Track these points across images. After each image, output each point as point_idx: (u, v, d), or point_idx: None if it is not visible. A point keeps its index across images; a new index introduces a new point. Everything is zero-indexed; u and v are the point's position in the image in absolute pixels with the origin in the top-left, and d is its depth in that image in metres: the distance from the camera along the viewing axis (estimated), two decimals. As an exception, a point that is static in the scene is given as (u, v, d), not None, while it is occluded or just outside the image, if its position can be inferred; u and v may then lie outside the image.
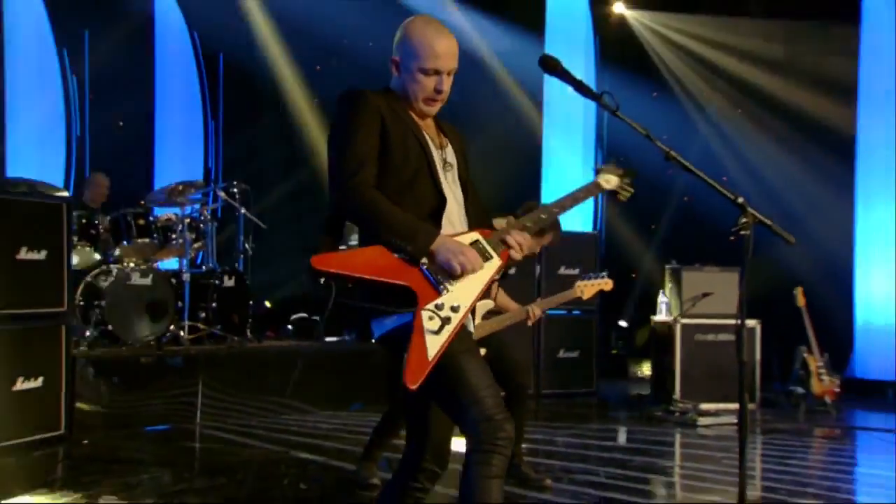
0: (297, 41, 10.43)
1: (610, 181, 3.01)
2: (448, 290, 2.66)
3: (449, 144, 2.94)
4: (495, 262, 2.78)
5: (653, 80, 10.77)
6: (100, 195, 8.32)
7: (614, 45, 10.92)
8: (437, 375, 2.61)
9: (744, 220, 2.72)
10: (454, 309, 2.65)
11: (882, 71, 9.12)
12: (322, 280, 2.61)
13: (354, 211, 2.69)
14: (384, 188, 2.73)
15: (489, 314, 4.83)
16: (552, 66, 2.84)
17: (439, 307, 2.63)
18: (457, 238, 2.76)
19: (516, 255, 2.84)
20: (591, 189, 3.00)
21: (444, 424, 2.84)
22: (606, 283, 5.25)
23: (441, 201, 2.81)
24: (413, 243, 2.65)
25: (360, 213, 2.69)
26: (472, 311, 2.82)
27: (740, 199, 2.75)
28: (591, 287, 5.26)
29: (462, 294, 2.68)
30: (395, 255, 2.66)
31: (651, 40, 10.98)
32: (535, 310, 5.18)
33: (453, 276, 2.67)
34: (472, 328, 2.89)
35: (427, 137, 2.87)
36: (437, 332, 2.59)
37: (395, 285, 2.63)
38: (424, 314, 2.60)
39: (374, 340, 2.76)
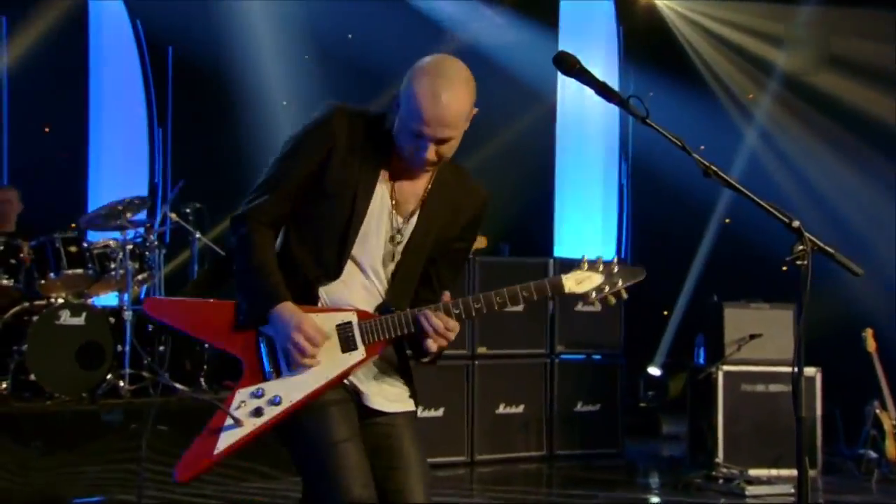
0: (263, 30, 10.47)
1: (585, 282, 2.92)
2: (276, 377, 2.69)
3: (417, 215, 2.95)
4: (356, 356, 2.79)
5: (687, 78, 10.82)
6: (8, 214, 8.12)
7: (641, 37, 10.98)
8: (297, 452, 2.73)
9: (800, 247, 2.73)
10: (274, 401, 2.67)
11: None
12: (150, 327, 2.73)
13: (231, 242, 2.83)
14: (294, 230, 2.86)
15: None
16: (569, 66, 2.88)
17: (257, 394, 2.66)
18: (319, 314, 2.79)
19: (432, 345, 2.84)
20: (542, 288, 2.90)
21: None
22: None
23: (333, 272, 2.85)
24: (251, 304, 2.72)
25: (233, 247, 2.82)
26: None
27: (796, 223, 2.77)
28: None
29: (293, 386, 2.70)
30: (239, 317, 2.73)
31: (686, 31, 11.05)
32: None
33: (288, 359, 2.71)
34: (366, 389, 2.90)
35: (385, 198, 2.90)
36: (237, 424, 2.64)
37: (227, 354, 2.71)
38: (238, 397, 2.66)
39: None
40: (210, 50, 10.08)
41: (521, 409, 8.17)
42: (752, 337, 7.86)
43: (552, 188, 10.81)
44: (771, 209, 2.78)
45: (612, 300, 2.93)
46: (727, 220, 10.56)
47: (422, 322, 2.80)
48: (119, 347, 7.41)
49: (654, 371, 10.64)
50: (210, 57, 10.07)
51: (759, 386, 7.86)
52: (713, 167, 2.82)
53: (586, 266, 2.93)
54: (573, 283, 2.91)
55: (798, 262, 2.73)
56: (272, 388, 2.66)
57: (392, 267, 2.94)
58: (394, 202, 2.92)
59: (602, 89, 2.85)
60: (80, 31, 10.57)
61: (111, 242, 7.73)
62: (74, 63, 10.49)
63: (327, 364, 2.74)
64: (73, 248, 7.49)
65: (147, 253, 7.88)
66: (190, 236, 8.29)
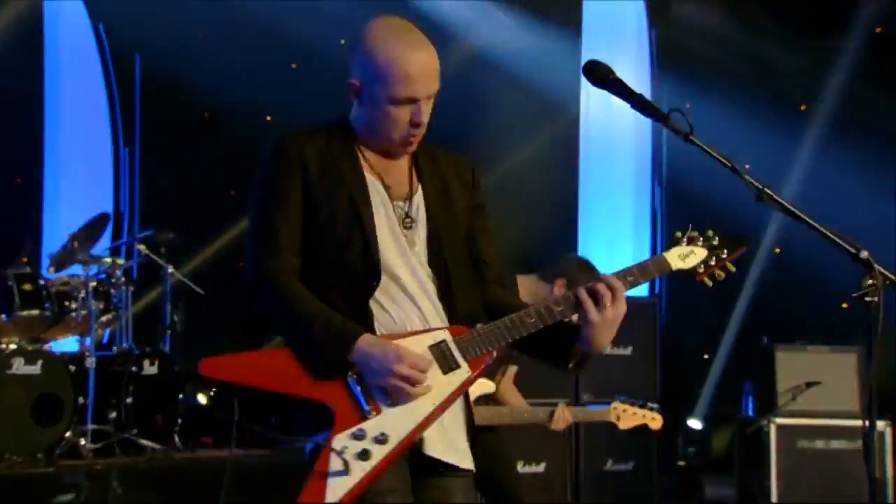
0: (244, 36, 10.49)
1: (689, 257, 3.01)
2: (377, 413, 2.71)
3: (420, 190, 3.01)
4: (461, 374, 2.80)
5: (728, 87, 10.85)
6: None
7: (677, 40, 11.02)
8: None
9: (870, 281, 2.74)
10: (379, 439, 2.68)
11: None
12: (212, 392, 2.71)
13: (265, 309, 2.87)
14: (312, 265, 2.87)
15: (484, 399, 4.88)
16: (602, 76, 2.93)
17: (359, 435, 2.67)
18: (404, 339, 2.80)
19: (594, 314, 2.84)
20: (646, 270, 2.98)
21: None
22: (654, 420, 5.36)
23: (373, 277, 2.86)
24: (323, 356, 2.73)
25: (271, 313, 2.86)
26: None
27: (864, 254, 2.78)
28: (630, 416, 5.38)
29: (398, 419, 2.71)
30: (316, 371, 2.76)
31: (729, 33, 11.09)
32: (565, 413, 5.30)
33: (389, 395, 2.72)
34: (427, 433, 2.87)
35: (377, 186, 2.96)
36: (344, 472, 2.63)
37: (309, 401, 2.71)
38: (335, 444, 2.66)
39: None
40: (183, 58, 10.08)
41: (542, 467, 8.15)
42: (810, 385, 7.84)
43: (575, 213, 10.80)
44: (835, 238, 2.79)
45: (721, 274, 3.02)
46: (777, 251, 10.55)
47: (580, 295, 2.85)
48: (80, 400, 7.41)
49: (694, 424, 10.61)
50: (183, 66, 10.07)
51: (818, 442, 7.84)
52: (768, 190, 2.84)
53: (686, 241, 3.02)
54: (677, 259, 3.00)
55: (867, 299, 2.74)
56: (374, 426, 2.67)
57: (431, 258, 2.96)
58: (387, 189, 2.97)
59: (640, 103, 2.89)
60: (33, 36, 10.55)
61: (71, 279, 7.74)
62: (27, 73, 10.46)
63: (431, 391, 2.75)
64: (27, 287, 7.49)
65: (112, 290, 7.90)
66: (162, 271, 8.29)
